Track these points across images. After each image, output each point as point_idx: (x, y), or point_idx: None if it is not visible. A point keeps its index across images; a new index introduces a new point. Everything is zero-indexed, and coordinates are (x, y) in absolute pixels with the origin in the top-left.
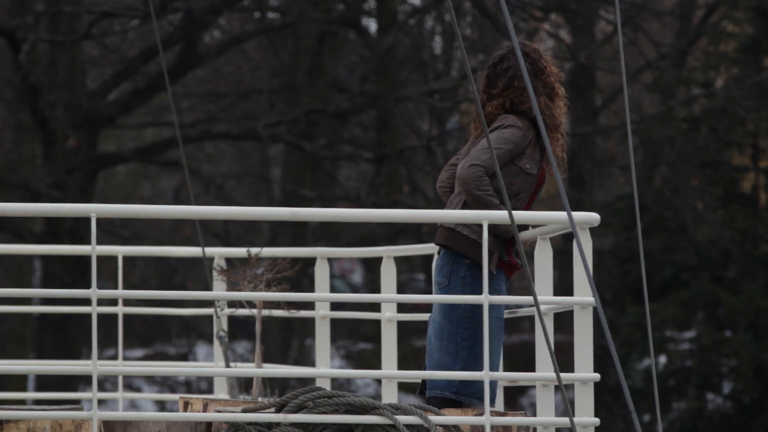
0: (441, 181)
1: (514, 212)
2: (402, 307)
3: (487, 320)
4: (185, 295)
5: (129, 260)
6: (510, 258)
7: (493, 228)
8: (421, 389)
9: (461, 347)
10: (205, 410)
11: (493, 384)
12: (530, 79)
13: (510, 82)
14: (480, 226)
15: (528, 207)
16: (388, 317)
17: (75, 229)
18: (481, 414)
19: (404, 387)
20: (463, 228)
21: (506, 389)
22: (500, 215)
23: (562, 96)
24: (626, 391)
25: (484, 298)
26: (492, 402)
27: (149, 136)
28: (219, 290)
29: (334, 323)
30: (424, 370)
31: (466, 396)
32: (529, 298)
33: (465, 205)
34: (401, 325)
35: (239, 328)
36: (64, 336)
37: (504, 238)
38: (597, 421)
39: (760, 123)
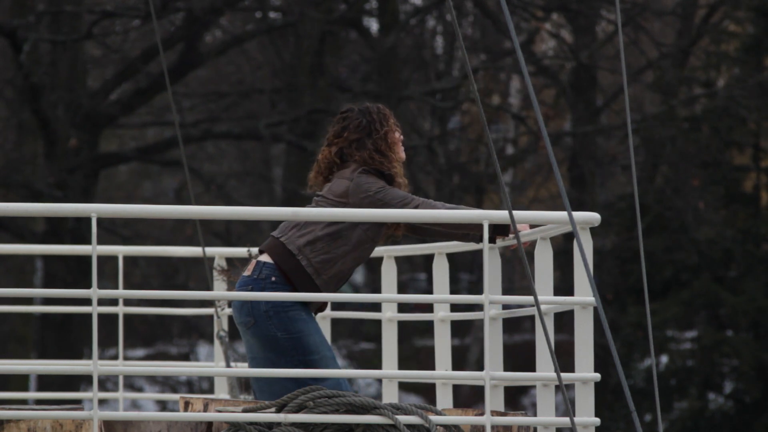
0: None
1: (514, 212)
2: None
3: (487, 320)
4: (185, 295)
5: (130, 260)
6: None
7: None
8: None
9: (303, 364)
10: (205, 410)
11: (338, 386)
12: (362, 135)
13: (341, 132)
14: (320, 257)
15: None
16: (389, 317)
17: (76, 229)
18: (482, 414)
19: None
20: (292, 243)
21: (507, 389)
22: (500, 215)
23: (399, 160)
24: (627, 391)
25: (485, 299)
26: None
27: (150, 135)
28: (219, 290)
29: (336, 323)
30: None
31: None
32: (530, 298)
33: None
34: (402, 324)
35: None
36: (65, 336)
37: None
38: (597, 421)
39: (761, 123)
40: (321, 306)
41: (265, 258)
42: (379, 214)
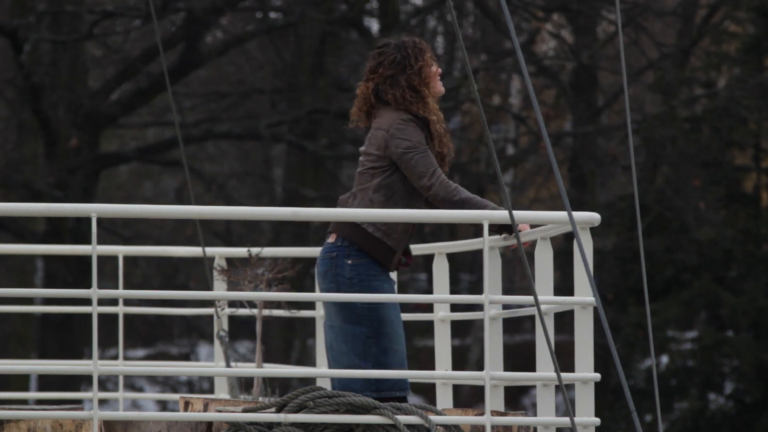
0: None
1: (514, 212)
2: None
3: (487, 320)
4: (185, 295)
5: (131, 260)
6: (408, 258)
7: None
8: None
9: (368, 345)
10: (205, 410)
11: (403, 367)
12: (396, 71)
13: (376, 68)
14: (384, 224)
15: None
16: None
17: (77, 229)
18: (482, 414)
19: None
20: (368, 225)
21: (507, 389)
22: (500, 215)
23: (434, 95)
24: (627, 391)
25: (485, 299)
26: (408, 391)
27: (151, 135)
28: (219, 290)
29: None
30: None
31: (386, 391)
32: (530, 298)
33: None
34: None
35: (241, 328)
36: (66, 336)
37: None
38: (597, 420)
39: (762, 123)
40: (398, 264)
41: (333, 239)
42: (379, 214)
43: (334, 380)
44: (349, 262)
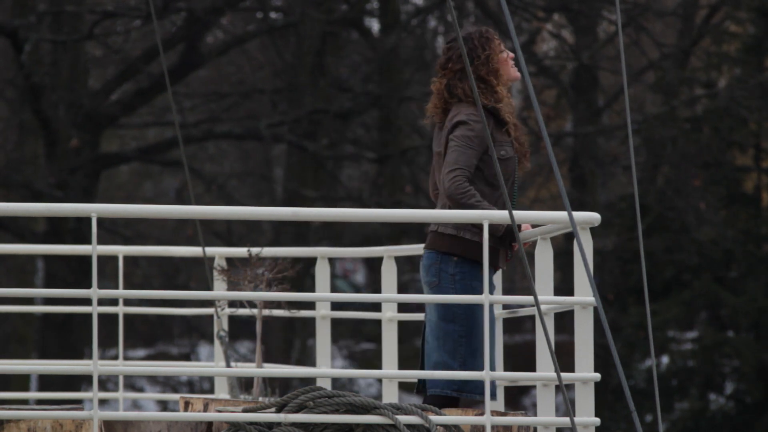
0: (432, 189)
1: (514, 212)
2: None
3: (488, 319)
4: (185, 294)
5: (131, 260)
6: (504, 252)
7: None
8: (419, 388)
9: (459, 344)
10: (205, 410)
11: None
12: (464, 65)
13: (446, 63)
14: (474, 225)
15: (512, 190)
16: (389, 317)
17: (77, 229)
18: (482, 414)
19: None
20: (447, 228)
21: (508, 389)
22: (501, 215)
23: (505, 83)
24: (627, 391)
25: (485, 299)
26: (493, 396)
27: (152, 136)
28: (220, 290)
29: (337, 323)
30: (421, 369)
31: (467, 392)
32: (530, 298)
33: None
34: (403, 325)
35: (241, 328)
36: (66, 336)
37: (497, 236)
38: (597, 420)
39: (762, 123)
40: (503, 260)
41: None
42: (380, 214)
43: (425, 369)
44: (455, 259)
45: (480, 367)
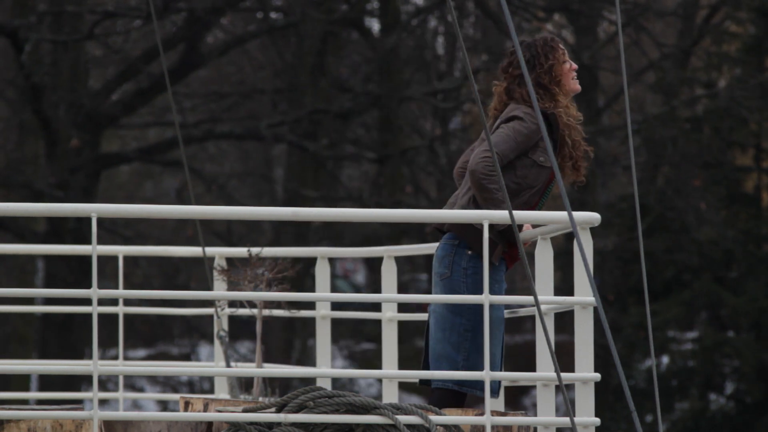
0: (459, 166)
1: (514, 212)
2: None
3: (488, 319)
4: (185, 295)
5: (132, 260)
6: (513, 250)
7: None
8: (423, 381)
9: (464, 338)
10: (205, 410)
11: (492, 366)
12: (528, 69)
13: (507, 67)
14: None
15: (538, 201)
16: (389, 317)
17: (77, 229)
18: (482, 414)
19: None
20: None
21: (508, 389)
22: (501, 215)
23: (566, 93)
24: (627, 391)
25: (485, 298)
26: (496, 394)
27: (152, 136)
28: (220, 290)
29: (338, 323)
30: (425, 360)
31: (469, 387)
32: (530, 298)
33: (474, 202)
34: (404, 325)
35: (241, 328)
36: (66, 336)
37: (498, 230)
38: (597, 420)
39: (762, 123)
40: (510, 259)
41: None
42: (380, 214)
43: (429, 361)
44: (469, 252)
45: (482, 364)
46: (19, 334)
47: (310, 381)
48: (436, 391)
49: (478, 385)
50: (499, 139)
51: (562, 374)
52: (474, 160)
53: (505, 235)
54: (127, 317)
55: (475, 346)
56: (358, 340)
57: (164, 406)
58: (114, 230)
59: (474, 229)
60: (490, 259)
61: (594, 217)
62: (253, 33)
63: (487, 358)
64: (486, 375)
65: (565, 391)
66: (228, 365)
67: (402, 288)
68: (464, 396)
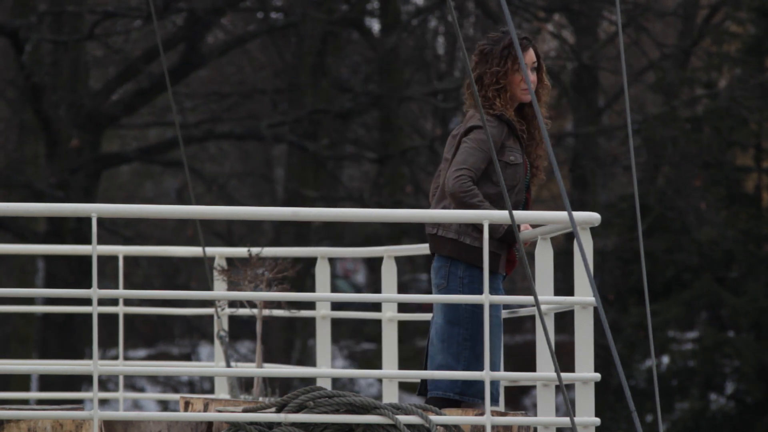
0: (432, 193)
1: (514, 212)
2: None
3: (488, 320)
4: (185, 294)
5: (132, 260)
6: (510, 255)
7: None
8: (421, 390)
9: (463, 347)
10: (205, 410)
11: (496, 383)
12: (482, 62)
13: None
14: (474, 229)
15: (528, 196)
16: (389, 317)
17: (78, 229)
18: (482, 414)
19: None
20: (448, 231)
21: (509, 389)
22: (501, 215)
23: (506, 100)
24: (627, 391)
25: (485, 299)
26: (495, 401)
27: (152, 136)
28: (220, 290)
29: (338, 323)
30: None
31: (469, 396)
32: (530, 298)
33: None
34: (404, 325)
35: (242, 328)
36: (67, 336)
37: (497, 238)
38: (597, 420)
39: (763, 123)
40: (511, 265)
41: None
42: (380, 214)
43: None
44: (464, 264)
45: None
46: (20, 334)
47: (310, 381)
48: (431, 400)
49: (479, 393)
50: (465, 155)
51: (562, 374)
52: (448, 183)
53: (504, 240)
54: (128, 317)
55: (474, 354)
56: (358, 340)
57: (164, 406)
58: (114, 230)
59: (466, 247)
60: (492, 268)
61: (594, 217)
62: (253, 33)
63: (487, 358)
64: (486, 375)
65: (565, 391)
66: (228, 365)
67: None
68: (461, 405)
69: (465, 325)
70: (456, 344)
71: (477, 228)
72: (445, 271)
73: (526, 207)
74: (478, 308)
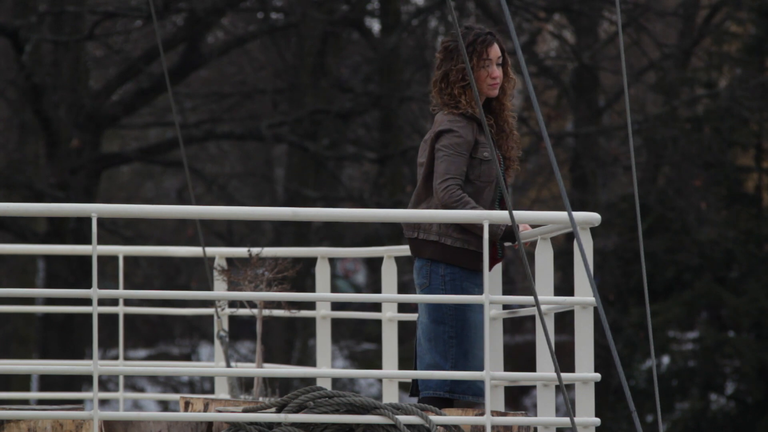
0: (412, 201)
1: (515, 212)
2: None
3: (488, 320)
4: (185, 295)
5: (133, 260)
6: (493, 252)
7: (472, 228)
8: (413, 391)
9: (449, 345)
10: (205, 410)
11: (480, 370)
12: (447, 58)
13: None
14: (455, 230)
15: (495, 194)
16: (389, 317)
17: (78, 229)
18: (482, 414)
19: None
20: (429, 234)
21: (509, 389)
22: (501, 215)
23: (468, 96)
24: (627, 391)
25: (485, 298)
26: (482, 397)
27: (153, 136)
28: (220, 290)
29: (338, 324)
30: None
31: (459, 393)
32: (530, 298)
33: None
34: (404, 325)
35: (242, 328)
36: (67, 336)
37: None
38: (598, 421)
39: (763, 123)
40: (493, 262)
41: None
42: (381, 214)
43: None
44: (444, 264)
45: (471, 368)
46: (20, 335)
47: (310, 381)
48: (424, 400)
49: (469, 389)
50: (446, 163)
51: (563, 374)
52: (438, 196)
53: (499, 241)
54: (128, 317)
55: (462, 351)
56: (358, 340)
57: (165, 406)
58: (114, 230)
59: (448, 248)
60: (474, 267)
61: (594, 217)
62: (253, 33)
63: (488, 358)
64: (486, 375)
65: (565, 391)
66: (228, 365)
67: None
68: (452, 403)
69: (450, 323)
70: (443, 342)
71: (457, 229)
72: (427, 270)
73: (503, 200)
74: (460, 305)
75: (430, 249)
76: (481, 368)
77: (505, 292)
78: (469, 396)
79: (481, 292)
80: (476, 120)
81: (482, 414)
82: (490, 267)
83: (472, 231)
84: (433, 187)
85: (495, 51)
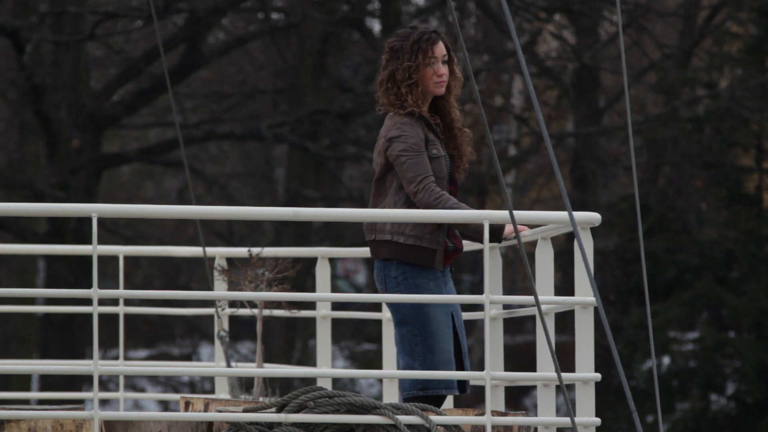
0: (366, 227)
1: (515, 212)
2: None
3: (488, 320)
4: (185, 295)
5: (133, 260)
6: (445, 244)
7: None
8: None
9: (414, 344)
10: (206, 410)
11: (449, 365)
12: (393, 58)
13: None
14: (407, 227)
15: (453, 189)
16: (389, 317)
17: (79, 229)
18: (482, 414)
19: None
20: (383, 234)
21: (509, 389)
22: (501, 215)
23: (418, 95)
24: (627, 391)
25: (485, 298)
26: (455, 390)
27: (153, 136)
28: (220, 290)
29: (339, 324)
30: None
31: (432, 389)
32: (530, 298)
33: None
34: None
35: (243, 328)
36: (68, 336)
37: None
38: (598, 421)
39: (764, 124)
40: (449, 256)
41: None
42: (381, 214)
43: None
44: (395, 262)
45: (439, 362)
46: (20, 334)
47: (310, 381)
48: (406, 401)
49: (440, 384)
50: (414, 166)
51: (563, 374)
52: (417, 198)
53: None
54: (128, 317)
55: (428, 347)
56: (358, 340)
57: (165, 406)
58: (115, 230)
59: (400, 246)
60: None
61: (594, 217)
62: (254, 33)
63: (488, 358)
64: (487, 375)
65: (565, 391)
66: (228, 365)
67: None
68: (442, 399)
69: (412, 322)
70: (408, 342)
71: (410, 226)
72: (381, 275)
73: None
74: (418, 303)
75: (385, 249)
76: (449, 360)
77: (505, 292)
78: (441, 390)
79: (436, 286)
80: (423, 118)
81: (482, 414)
82: (447, 262)
83: (422, 229)
84: (409, 192)
85: (440, 49)
